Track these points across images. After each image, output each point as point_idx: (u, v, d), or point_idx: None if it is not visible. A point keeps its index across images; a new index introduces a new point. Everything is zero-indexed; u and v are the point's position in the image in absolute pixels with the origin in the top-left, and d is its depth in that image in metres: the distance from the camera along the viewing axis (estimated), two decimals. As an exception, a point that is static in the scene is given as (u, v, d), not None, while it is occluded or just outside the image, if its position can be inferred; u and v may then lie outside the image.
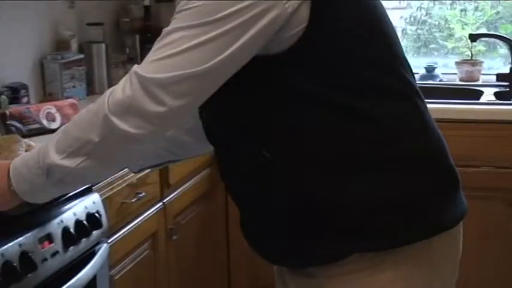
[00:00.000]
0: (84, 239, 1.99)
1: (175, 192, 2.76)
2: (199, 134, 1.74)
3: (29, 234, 1.79)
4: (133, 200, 2.40)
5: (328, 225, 1.53)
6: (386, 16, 1.64)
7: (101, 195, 2.14)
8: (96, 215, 2.05)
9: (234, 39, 1.41)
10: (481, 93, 3.44)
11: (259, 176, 1.57)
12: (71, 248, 1.93)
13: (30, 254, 1.75)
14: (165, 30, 1.46)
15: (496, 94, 3.45)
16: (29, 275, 1.74)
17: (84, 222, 2.00)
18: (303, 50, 1.46)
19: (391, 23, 1.65)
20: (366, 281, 1.53)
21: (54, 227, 1.89)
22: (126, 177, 2.37)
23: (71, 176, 1.50)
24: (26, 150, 1.91)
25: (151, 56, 1.45)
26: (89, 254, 2.02)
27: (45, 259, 1.81)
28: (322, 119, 1.50)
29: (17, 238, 1.75)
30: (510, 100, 3.33)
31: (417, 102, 1.59)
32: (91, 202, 2.07)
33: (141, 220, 2.49)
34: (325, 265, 1.54)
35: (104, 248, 2.09)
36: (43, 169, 1.49)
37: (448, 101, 3.26)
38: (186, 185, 2.85)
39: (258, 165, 1.55)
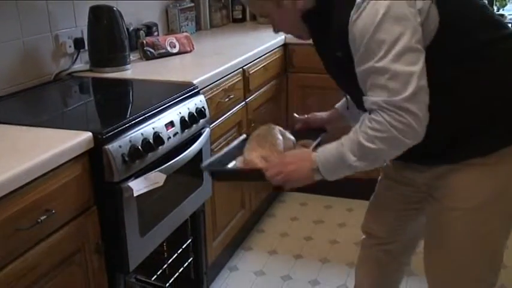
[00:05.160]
0: (194, 125, 2.00)
1: (254, 95, 2.74)
2: None
3: (158, 121, 1.81)
4: (226, 100, 2.40)
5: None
6: None
7: (205, 96, 2.14)
8: (202, 109, 2.05)
9: (418, 41, 1.29)
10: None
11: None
12: (186, 130, 1.95)
13: (160, 134, 1.78)
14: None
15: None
16: (159, 147, 1.77)
17: (194, 113, 2.00)
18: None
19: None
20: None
21: (175, 116, 1.90)
22: (222, 84, 2.37)
23: (359, 168, 1.39)
24: (281, 134, 1.66)
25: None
26: (197, 135, 2.03)
27: (169, 137, 1.84)
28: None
29: (151, 123, 1.78)
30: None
31: None
32: (199, 101, 2.07)
33: (230, 113, 2.48)
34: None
35: (206, 131, 2.10)
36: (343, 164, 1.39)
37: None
38: (260, 90, 2.82)
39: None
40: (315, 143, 1.65)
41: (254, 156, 1.58)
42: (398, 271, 1.89)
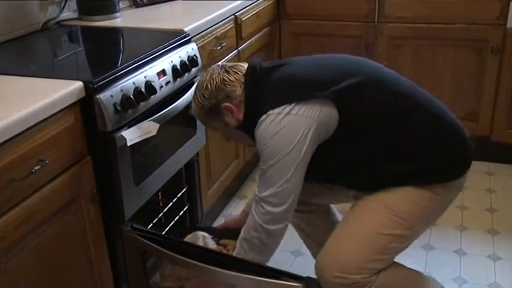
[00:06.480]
0: (186, 73, 1.98)
1: (246, 43, 2.70)
2: None
3: (150, 70, 1.80)
4: (218, 48, 2.37)
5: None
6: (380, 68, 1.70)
7: (197, 44, 2.12)
8: (194, 57, 2.03)
9: (296, 158, 1.53)
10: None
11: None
12: (178, 79, 1.93)
13: (151, 83, 1.77)
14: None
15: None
16: (151, 96, 1.76)
17: (186, 62, 1.98)
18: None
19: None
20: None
21: (167, 65, 1.88)
22: (214, 32, 2.33)
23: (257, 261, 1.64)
24: (204, 243, 1.85)
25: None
26: (190, 84, 2.02)
27: (162, 86, 1.83)
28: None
29: (143, 72, 1.76)
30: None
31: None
32: (190, 49, 2.04)
33: (223, 60, 2.45)
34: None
35: (199, 79, 2.08)
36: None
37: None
38: (253, 38, 2.79)
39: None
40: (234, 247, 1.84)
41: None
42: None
